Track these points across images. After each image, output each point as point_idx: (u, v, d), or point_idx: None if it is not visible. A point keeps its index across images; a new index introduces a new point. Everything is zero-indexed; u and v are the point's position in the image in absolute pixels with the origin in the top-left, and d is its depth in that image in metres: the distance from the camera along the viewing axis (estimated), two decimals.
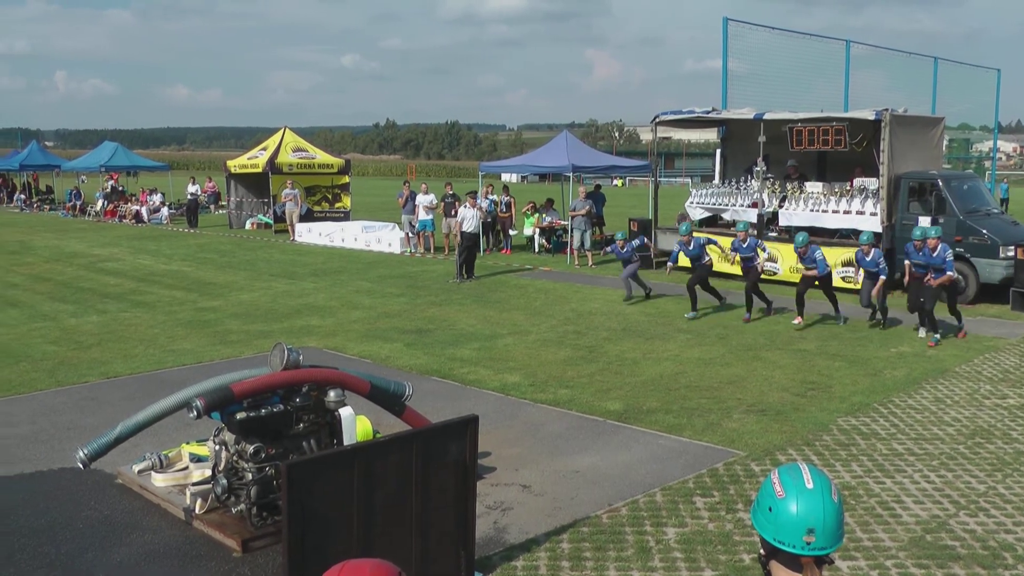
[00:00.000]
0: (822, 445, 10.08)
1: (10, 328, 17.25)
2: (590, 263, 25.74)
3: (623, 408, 11.49)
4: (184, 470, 8.97)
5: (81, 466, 8.01)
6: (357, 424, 8.42)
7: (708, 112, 25.25)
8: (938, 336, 15.37)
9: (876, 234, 19.78)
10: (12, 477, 9.54)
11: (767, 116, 22.73)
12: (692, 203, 25.78)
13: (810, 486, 2.98)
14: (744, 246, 17.90)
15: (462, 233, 22.92)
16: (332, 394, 8.05)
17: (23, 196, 57.01)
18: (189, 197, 42.60)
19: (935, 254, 15.32)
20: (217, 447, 8.06)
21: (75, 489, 9.08)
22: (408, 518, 6.31)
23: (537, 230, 30.09)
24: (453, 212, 28.59)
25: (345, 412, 8.13)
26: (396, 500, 6.24)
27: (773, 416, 11.15)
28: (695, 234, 19.21)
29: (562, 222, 29.22)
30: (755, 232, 20.67)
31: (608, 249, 21.45)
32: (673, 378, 12.96)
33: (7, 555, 7.65)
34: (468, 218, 23.02)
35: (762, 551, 3.12)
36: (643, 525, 7.87)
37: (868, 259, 16.32)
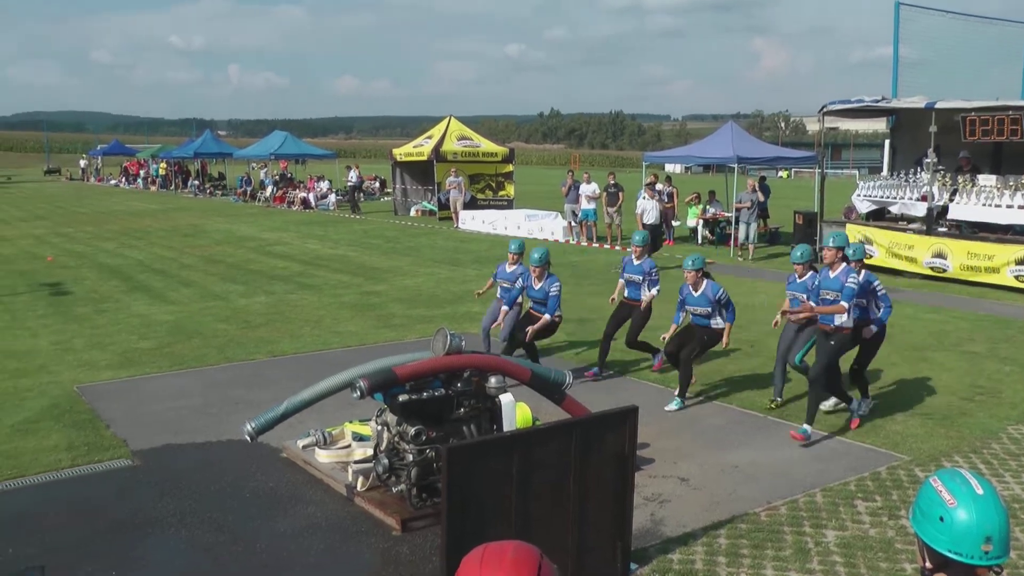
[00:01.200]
0: (990, 453, 9.68)
1: (183, 306, 18.03)
2: (751, 256, 25.30)
3: (783, 404, 11.32)
4: (347, 448, 9.22)
5: (248, 439, 8.32)
6: (517, 411, 8.51)
7: (877, 101, 24.47)
8: (807, 430, 10.02)
9: None
10: (184, 446, 10.02)
11: (939, 105, 21.86)
12: (859, 195, 25.08)
13: (981, 492, 2.86)
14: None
15: (643, 225, 22.80)
16: (493, 380, 8.16)
17: (197, 182, 59.24)
18: (349, 184, 43.63)
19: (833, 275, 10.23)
20: (379, 427, 8.25)
21: (242, 460, 9.45)
22: (565, 507, 6.34)
23: (700, 221, 29.77)
24: (616, 202, 28.58)
25: (505, 399, 8.23)
26: (554, 488, 6.27)
27: (939, 420, 10.78)
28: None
29: (726, 214, 28.83)
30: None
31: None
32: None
33: (179, 518, 8.03)
34: (648, 209, 22.74)
35: (928, 564, 2.98)
36: (802, 525, 7.72)
37: None
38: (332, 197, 44.90)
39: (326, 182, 47.29)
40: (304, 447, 9.35)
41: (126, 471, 9.41)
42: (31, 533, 7.89)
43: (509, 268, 13.01)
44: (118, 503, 8.55)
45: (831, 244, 10.24)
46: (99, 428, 10.61)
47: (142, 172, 69.28)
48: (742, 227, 25.61)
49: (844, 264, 10.18)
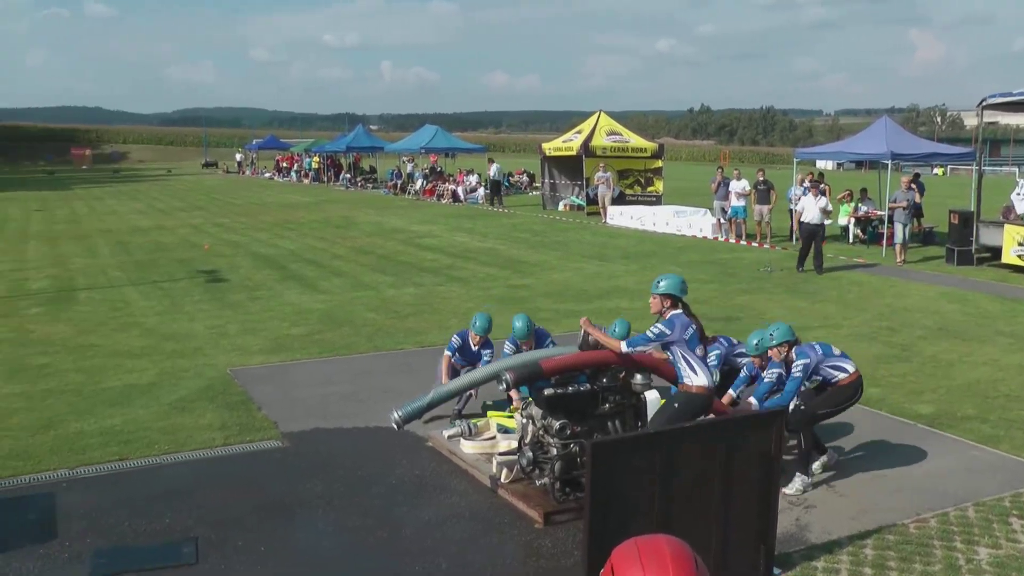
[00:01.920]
0: None
1: (334, 295, 18.49)
2: (899, 258, 24.41)
3: (935, 413, 10.96)
4: (491, 439, 9.33)
5: (395, 427, 8.51)
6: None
7: None
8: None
9: None
10: (332, 430, 10.32)
11: None
12: (1019, 194, 24.15)
13: None
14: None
15: (801, 223, 22.40)
16: (639, 377, 8.15)
17: (348, 176, 60.41)
18: (492, 177, 43.97)
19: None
20: (524, 420, 8.33)
21: (389, 447, 9.66)
22: (709, 506, 6.29)
23: (852, 220, 29.06)
24: (766, 199, 28.10)
25: (651, 395, 8.22)
26: (698, 487, 6.24)
27: None
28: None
29: (878, 212, 28.02)
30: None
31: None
32: (991, 385, 12.19)
33: (326, 500, 8.28)
34: (808, 207, 22.26)
35: None
36: (953, 540, 7.47)
37: None
38: (481, 191, 45.28)
39: (475, 176, 47.72)
40: (449, 437, 9.51)
41: (276, 452, 9.73)
42: (186, 506, 8.24)
43: (474, 347, 10.86)
44: (268, 482, 8.85)
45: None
46: (251, 410, 11.00)
47: (295, 166, 71.03)
48: (897, 227, 24.72)
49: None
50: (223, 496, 8.48)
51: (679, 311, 8.05)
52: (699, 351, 8.16)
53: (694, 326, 8.04)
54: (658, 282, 8.17)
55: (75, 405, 11.35)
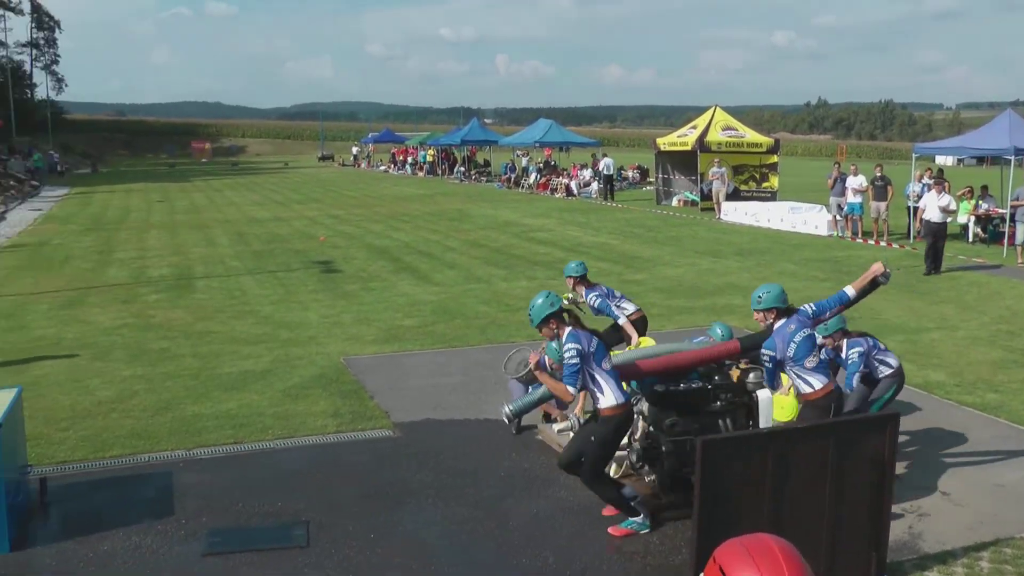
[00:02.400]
0: None
1: (447, 288, 18.61)
2: (1021, 259, 23.61)
3: None
4: None
5: (506, 420, 8.51)
6: (783, 408, 8.33)
7: None
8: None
9: None
10: (443, 421, 10.42)
11: None
12: None
13: None
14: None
15: (924, 222, 21.82)
16: (752, 375, 8.02)
17: (462, 169, 60.79)
18: (603, 172, 43.80)
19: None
20: (634, 416, 8.27)
21: (499, 440, 9.70)
22: (820, 509, 6.16)
23: (972, 218, 28.19)
24: (884, 196, 27.44)
25: (763, 394, 8.07)
26: (809, 489, 6.11)
27: None
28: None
29: (1000, 210, 27.12)
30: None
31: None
32: None
33: (436, 490, 8.34)
34: (930, 204, 21.63)
35: None
36: None
37: None
38: (595, 185, 45.15)
39: (589, 170, 47.59)
40: (559, 431, 9.48)
41: (387, 441, 9.84)
42: (298, 490, 8.39)
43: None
44: (379, 470, 8.95)
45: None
46: (363, 398, 11.14)
47: (410, 159, 71.70)
48: (1019, 226, 23.82)
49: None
50: (334, 482, 8.60)
51: (570, 327, 7.42)
52: (810, 361, 7.46)
53: (596, 339, 7.45)
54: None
55: (192, 389, 11.65)
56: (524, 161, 53.73)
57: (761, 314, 7.75)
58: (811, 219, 29.77)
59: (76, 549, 7.35)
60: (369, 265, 22.05)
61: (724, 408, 8.07)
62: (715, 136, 37.31)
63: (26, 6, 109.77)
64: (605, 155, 46.70)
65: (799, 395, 7.67)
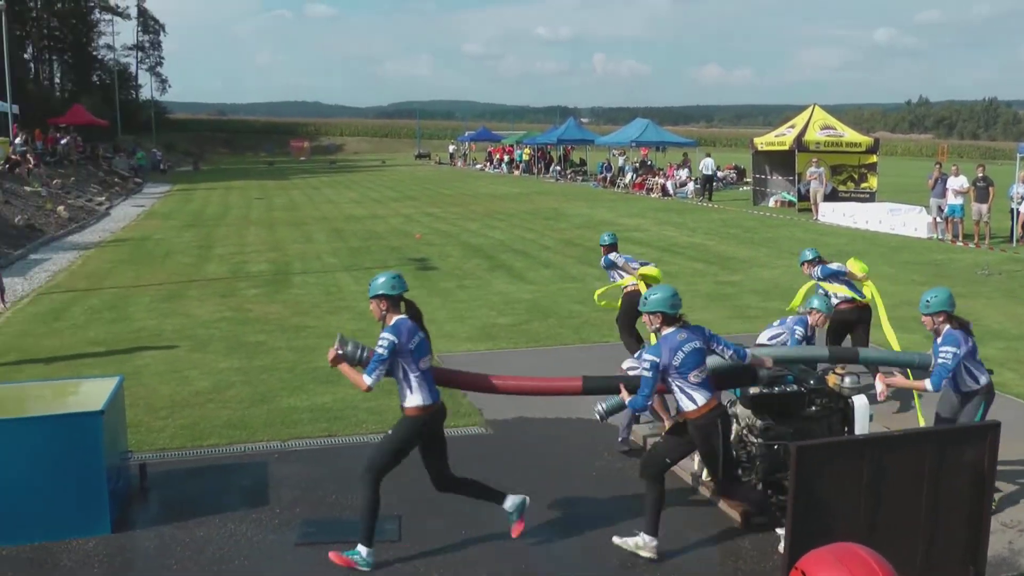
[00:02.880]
0: None
1: (542, 286, 18.63)
2: None
3: None
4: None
5: (599, 419, 8.48)
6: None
7: None
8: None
9: None
10: (535, 420, 10.50)
11: None
12: None
13: None
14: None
15: None
16: (847, 380, 7.90)
17: (558, 168, 60.80)
18: (704, 172, 43.51)
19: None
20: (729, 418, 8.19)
21: (590, 439, 9.70)
22: (915, 520, 6.03)
23: None
24: (986, 197, 26.73)
25: (859, 400, 7.93)
26: (904, 499, 5.99)
27: None
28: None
29: None
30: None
31: None
32: None
33: (527, 488, 8.29)
34: None
35: None
36: None
37: None
38: (691, 185, 44.83)
39: (685, 170, 47.26)
40: (650, 433, 9.43)
41: (479, 439, 9.91)
42: (390, 484, 8.41)
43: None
44: (470, 467, 8.94)
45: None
46: (456, 396, 11.16)
47: (506, 157, 71.90)
48: None
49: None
50: (426, 478, 8.63)
51: (403, 316, 7.13)
52: (695, 375, 7.04)
53: (422, 334, 7.17)
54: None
55: (288, 382, 11.84)
56: (620, 160, 53.53)
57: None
58: (910, 221, 29.16)
59: (173, 533, 7.54)
60: (464, 263, 22.17)
61: (819, 413, 7.94)
62: (813, 135, 36.76)
63: (133, 11, 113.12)
64: (708, 155, 46.43)
65: (679, 412, 7.27)
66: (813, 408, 7.90)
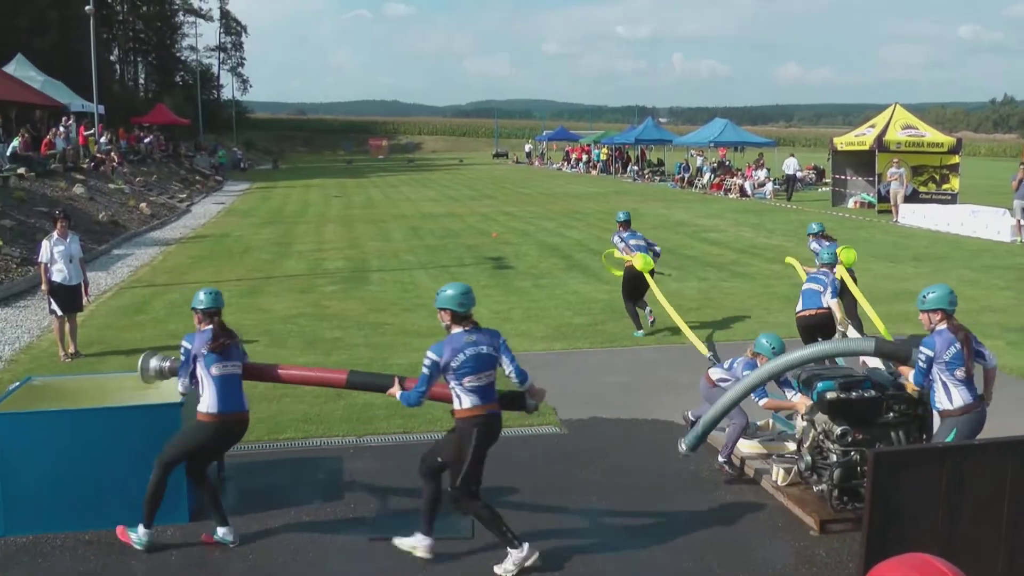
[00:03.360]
0: None
1: (618, 287, 18.45)
2: None
3: None
4: (771, 440, 9.15)
5: (684, 452, 8.39)
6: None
7: None
8: None
9: None
10: (610, 420, 10.54)
11: None
12: None
13: None
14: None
15: None
16: None
17: (636, 168, 60.59)
18: (786, 172, 43.13)
19: None
20: (805, 423, 8.11)
21: (665, 441, 9.65)
22: (996, 532, 5.92)
23: None
24: None
25: None
26: (985, 510, 5.88)
27: None
28: None
29: None
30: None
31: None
32: None
33: (601, 488, 8.50)
34: None
35: None
36: None
37: None
38: (769, 186, 44.40)
39: (764, 171, 46.81)
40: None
41: (554, 438, 9.92)
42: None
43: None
44: (544, 466, 9.01)
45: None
46: None
47: (584, 157, 71.83)
48: None
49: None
50: (501, 476, 8.68)
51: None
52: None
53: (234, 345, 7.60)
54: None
55: None
56: (699, 161, 53.19)
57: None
58: (993, 223, 28.53)
59: (248, 524, 7.67)
60: (540, 262, 22.19)
61: (897, 420, 7.81)
62: (894, 135, 36.18)
63: (216, 13, 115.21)
64: (792, 154, 46.10)
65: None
66: (891, 414, 7.78)
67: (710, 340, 14.17)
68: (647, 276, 14.41)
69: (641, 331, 14.38)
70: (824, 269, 12.07)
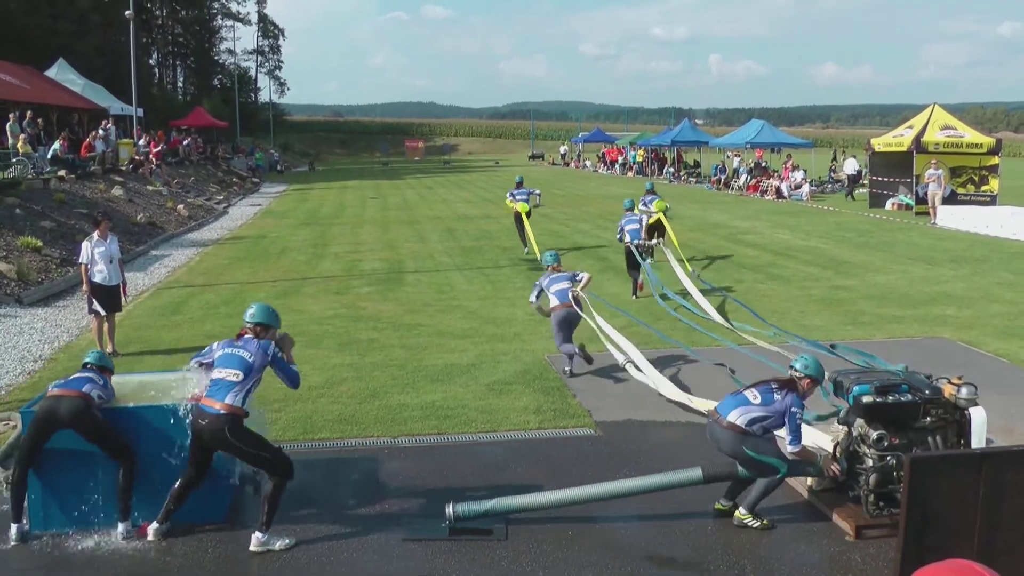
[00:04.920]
0: None
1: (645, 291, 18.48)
2: None
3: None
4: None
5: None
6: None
7: None
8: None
9: None
10: (645, 423, 10.53)
11: None
12: None
13: None
14: None
15: None
16: (964, 391, 7.67)
17: (672, 170, 60.41)
18: (847, 173, 43.64)
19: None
20: (840, 427, 8.06)
21: (700, 443, 9.52)
22: None
23: None
24: None
25: (976, 413, 7.70)
26: None
27: None
28: None
29: None
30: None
31: None
32: None
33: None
34: None
35: None
36: None
37: None
38: (806, 188, 44.15)
39: (801, 172, 46.55)
40: None
41: (588, 440, 9.91)
42: (498, 483, 8.55)
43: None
44: (579, 468, 9.00)
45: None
46: (566, 396, 11.23)
47: (619, 159, 71.71)
48: None
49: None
50: (535, 478, 8.70)
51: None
52: None
53: None
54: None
55: (399, 379, 12.01)
56: (735, 162, 52.96)
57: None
58: None
59: (284, 524, 7.69)
60: (575, 264, 22.12)
61: (934, 424, 7.73)
62: (932, 136, 35.84)
63: (253, 16, 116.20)
64: (853, 156, 46.53)
65: None
66: (928, 419, 7.70)
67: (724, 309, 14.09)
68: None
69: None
70: (628, 213, 19.98)
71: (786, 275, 20.30)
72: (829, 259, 22.89)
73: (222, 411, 7.23)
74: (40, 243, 20.87)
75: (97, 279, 13.27)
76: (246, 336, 7.62)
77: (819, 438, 8.76)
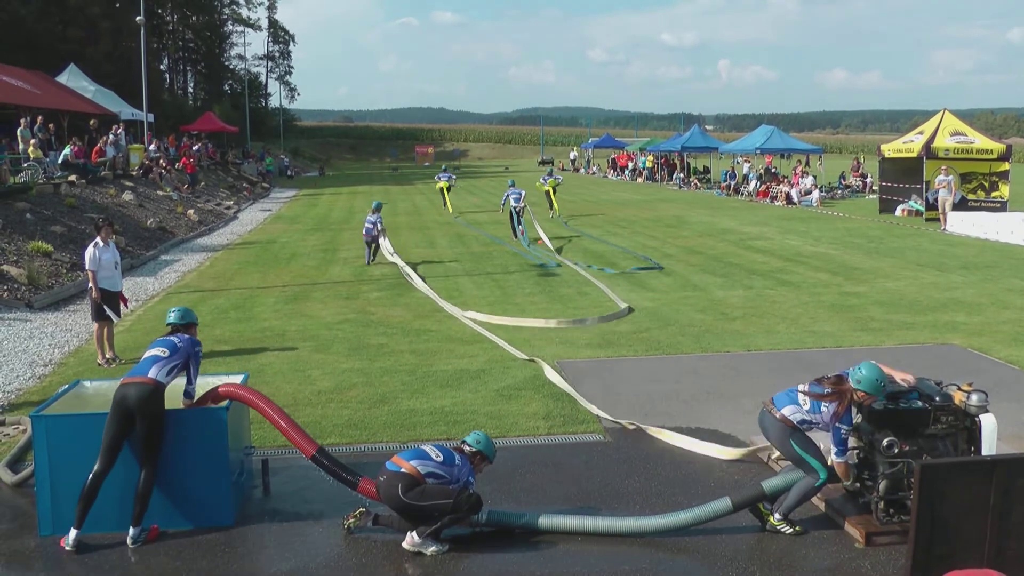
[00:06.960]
0: None
1: (663, 294, 18.52)
2: None
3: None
4: None
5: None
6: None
7: None
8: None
9: None
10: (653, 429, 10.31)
11: None
12: None
13: None
14: None
15: None
16: (974, 398, 7.64)
17: (681, 175, 60.35)
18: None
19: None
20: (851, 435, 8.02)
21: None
22: None
23: None
24: None
25: (987, 420, 7.67)
26: None
27: None
28: None
29: None
30: None
31: None
32: None
33: (645, 497, 8.49)
34: None
35: None
36: None
37: None
38: (816, 194, 44.08)
39: (810, 177, 46.49)
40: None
41: (598, 445, 9.90)
42: (508, 488, 8.53)
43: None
44: (588, 474, 9.00)
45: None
46: (575, 402, 11.20)
47: (629, 164, 71.69)
48: None
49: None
50: (544, 483, 8.70)
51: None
52: None
53: None
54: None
55: (408, 384, 12.02)
56: (745, 168, 52.86)
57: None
58: None
59: (293, 528, 7.77)
60: (585, 269, 22.15)
61: (944, 431, 7.69)
62: (942, 142, 35.75)
63: (264, 22, 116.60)
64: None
65: None
66: (938, 426, 7.67)
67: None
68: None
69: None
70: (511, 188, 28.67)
71: (796, 281, 20.26)
72: (839, 265, 22.85)
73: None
74: (50, 247, 20.95)
75: (104, 284, 13.30)
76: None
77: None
